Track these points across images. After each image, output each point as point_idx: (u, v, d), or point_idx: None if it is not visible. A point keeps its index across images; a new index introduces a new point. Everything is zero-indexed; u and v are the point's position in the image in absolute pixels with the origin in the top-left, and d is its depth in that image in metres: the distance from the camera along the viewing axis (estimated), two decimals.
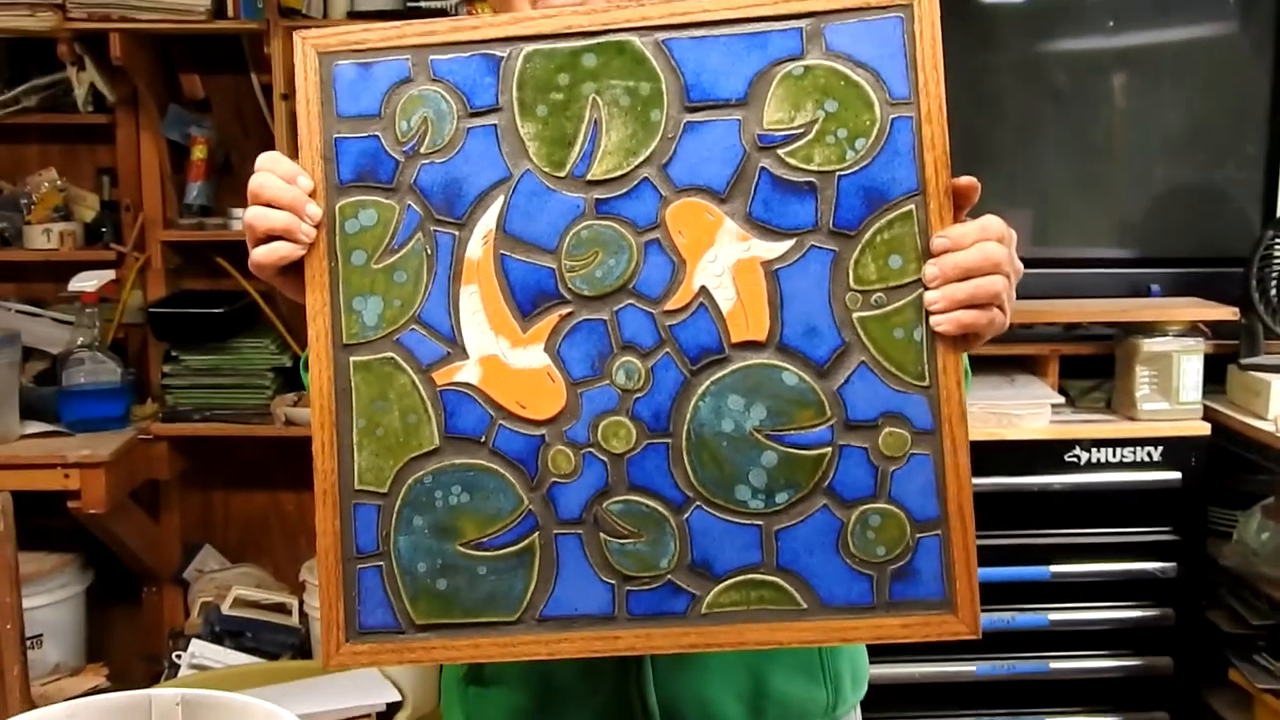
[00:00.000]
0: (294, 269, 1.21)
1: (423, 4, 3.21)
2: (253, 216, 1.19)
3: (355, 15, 3.25)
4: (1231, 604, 2.97)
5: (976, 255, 1.14)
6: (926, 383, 1.16)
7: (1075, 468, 2.90)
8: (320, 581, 1.19)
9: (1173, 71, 3.24)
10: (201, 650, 3.15)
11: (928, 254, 1.16)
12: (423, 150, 1.20)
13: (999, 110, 3.26)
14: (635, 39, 1.19)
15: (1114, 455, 2.90)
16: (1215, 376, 3.02)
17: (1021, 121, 3.27)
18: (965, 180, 1.17)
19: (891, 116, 1.16)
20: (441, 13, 3.19)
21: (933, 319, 1.15)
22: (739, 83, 1.18)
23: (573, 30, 1.19)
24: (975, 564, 1.16)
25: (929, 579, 1.16)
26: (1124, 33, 3.21)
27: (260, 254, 1.19)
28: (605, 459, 1.18)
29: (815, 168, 1.17)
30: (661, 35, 1.18)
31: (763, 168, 1.18)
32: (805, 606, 1.17)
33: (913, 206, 1.16)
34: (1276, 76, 3.16)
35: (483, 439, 1.19)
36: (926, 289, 1.15)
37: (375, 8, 3.23)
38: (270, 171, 1.20)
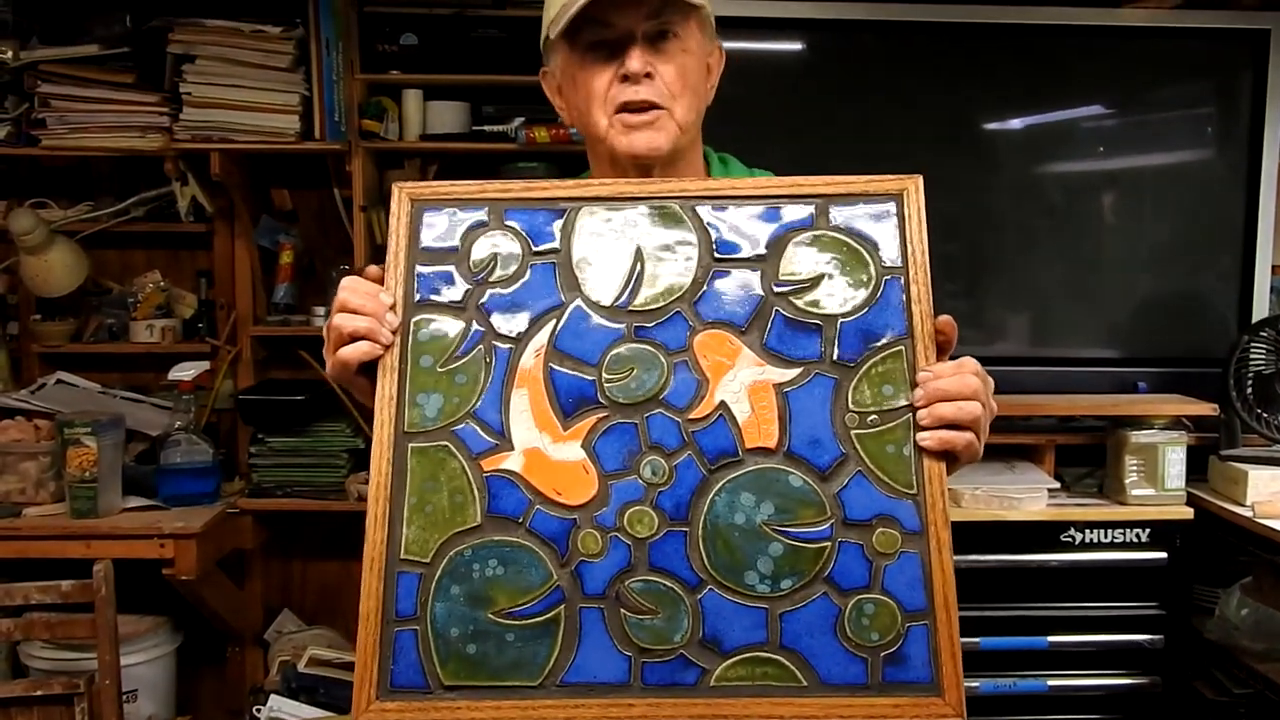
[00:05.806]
0: (366, 372, 1.28)
1: (487, 128, 3.35)
2: (340, 320, 1.27)
3: (426, 137, 3.37)
4: (1214, 674, 3.03)
5: (956, 383, 1.24)
6: (915, 491, 1.22)
7: (1070, 547, 2.95)
8: (358, 642, 1.20)
9: (1157, 192, 3.32)
10: (279, 705, 3.19)
11: (915, 385, 1.25)
12: (491, 280, 1.30)
13: (1001, 225, 3.33)
14: (675, 205, 1.32)
15: (1105, 536, 2.96)
16: (1197, 466, 3.08)
17: (1021, 235, 3.33)
18: (942, 318, 1.27)
19: (885, 277, 1.28)
20: (503, 136, 3.33)
21: (919, 435, 1.23)
22: (760, 243, 1.30)
23: (625, 195, 1.32)
24: (959, 652, 1.18)
25: (918, 664, 1.18)
26: (1113, 157, 3.29)
27: (345, 352, 1.27)
28: (629, 542, 1.22)
29: (821, 312, 1.28)
30: (696, 204, 1.32)
31: (777, 310, 1.28)
32: (806, 684, 1.18)
33: (903, 347, 1.26)
34: (1250, 196, 3.25)
35: (520, 519, 1.23)
36: (915, 410, 1.24)
37: (445, 130, 3.36)
38: (356, 287, 1.29)
